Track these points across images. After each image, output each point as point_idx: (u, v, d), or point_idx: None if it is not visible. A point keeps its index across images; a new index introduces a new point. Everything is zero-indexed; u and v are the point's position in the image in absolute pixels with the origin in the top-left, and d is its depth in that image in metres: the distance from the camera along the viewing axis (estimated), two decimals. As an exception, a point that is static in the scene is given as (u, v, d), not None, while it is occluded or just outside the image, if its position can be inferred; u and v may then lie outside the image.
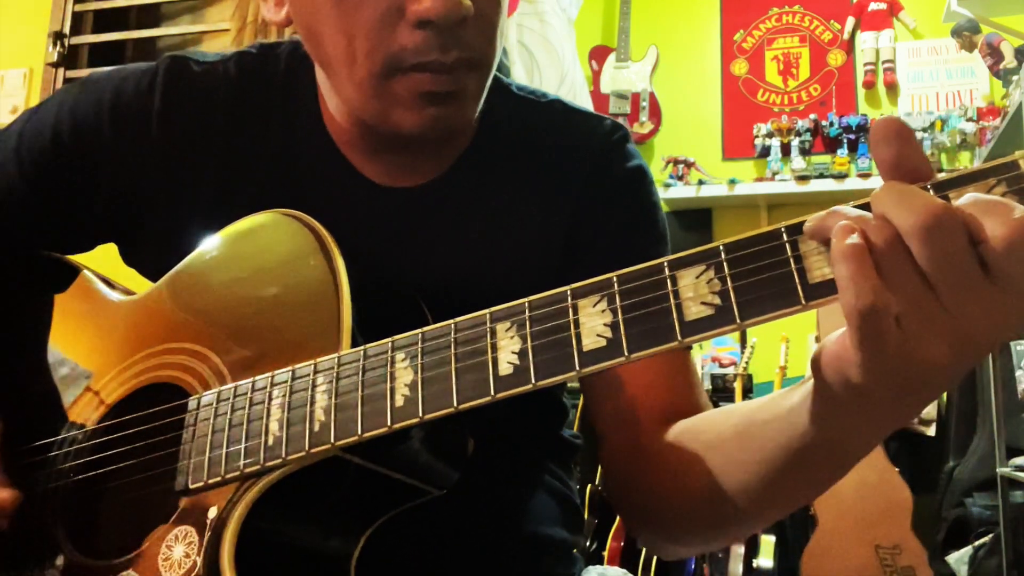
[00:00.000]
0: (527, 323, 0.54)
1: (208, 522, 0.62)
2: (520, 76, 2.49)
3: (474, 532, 0.79)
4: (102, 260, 0.89)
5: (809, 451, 0.56)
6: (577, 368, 0.52)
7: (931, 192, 0.45)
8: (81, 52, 2.73)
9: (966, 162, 3.32)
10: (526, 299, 0.55)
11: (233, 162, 0.81)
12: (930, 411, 3.00)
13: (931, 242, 0.42)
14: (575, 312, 0.53)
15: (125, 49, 2.75)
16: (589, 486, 2.54)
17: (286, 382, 0.63)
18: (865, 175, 3.34)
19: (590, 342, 0.52)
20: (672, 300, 0.50)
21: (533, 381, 0.53)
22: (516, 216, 0.82)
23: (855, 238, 0.44)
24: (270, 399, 0.63)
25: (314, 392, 0.61)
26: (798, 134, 3.53)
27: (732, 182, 3.47)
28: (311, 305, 0.66)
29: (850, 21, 3.66)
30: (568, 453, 0.92)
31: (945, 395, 3.06)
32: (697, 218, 3.57)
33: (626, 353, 0.50)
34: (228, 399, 0.65)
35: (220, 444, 0.64)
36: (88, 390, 0.77)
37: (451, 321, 0.58)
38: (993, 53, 2.97)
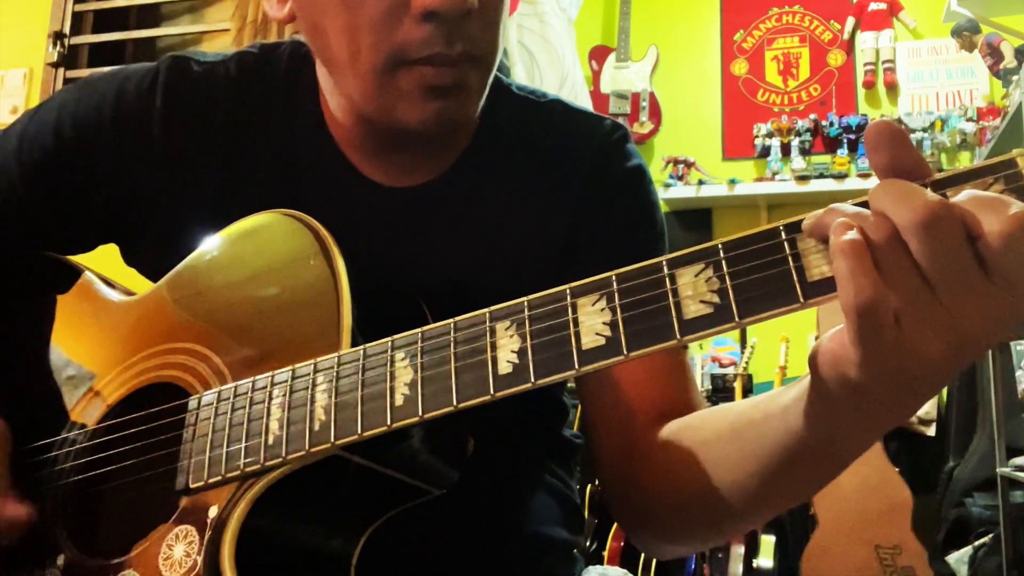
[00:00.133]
0: (526, 322, 0.54)
1: (208, 521, 0.62)
2: (521, 77, 2.50)
3: (474, 532, 0.79)
4: (102, 260, 0.89)
5: (805, 449, 0.56)
6: (576, 367, 0.52)
7: (929, 189, 0.45)
8: (81, 52, 2.73)
9: (966, 162, 3.32)
10: (525, 298, 0.55)
11: (234, 162, 0.81)
12: (930, 411, 3.00)
13: (929, 238, 0.42)
14: (574, 311, 0.53)
15: (125, 49, 2.75)
16: (589, 486, 2.54)
17: (286, 381, 0.63)
18: (865, 175, 3.34)
19: (589, 341, 0.52)
20: (671, 299, 0.50)
21: (532, 380, 0.53)
22: (516, 215, 0.82)
23: (853, 234, 0.44)
24: (270, 398, 0.63)
25: (314, 391, 0.61)
26: (798, 134, 3.53)
27: (732, 182, 3.47)
28: (311, 305, 0.66)
29: (850, 21, 3.66)
30: (569, 453, 0.92)
31: (945, 395, 3.06)
32: (697, 218, 3.57)
33: (625, 352, 0.51)
34: (228, 399, 0.66)
35: (220, 443, 0.64)
36: (90, 390, 0.77)
37: (450, 320, 0.58)
38: (993, 53, 2.97)
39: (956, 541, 2.71)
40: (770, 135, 3.57)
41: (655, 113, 3.73)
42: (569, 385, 0.90)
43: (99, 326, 0.80)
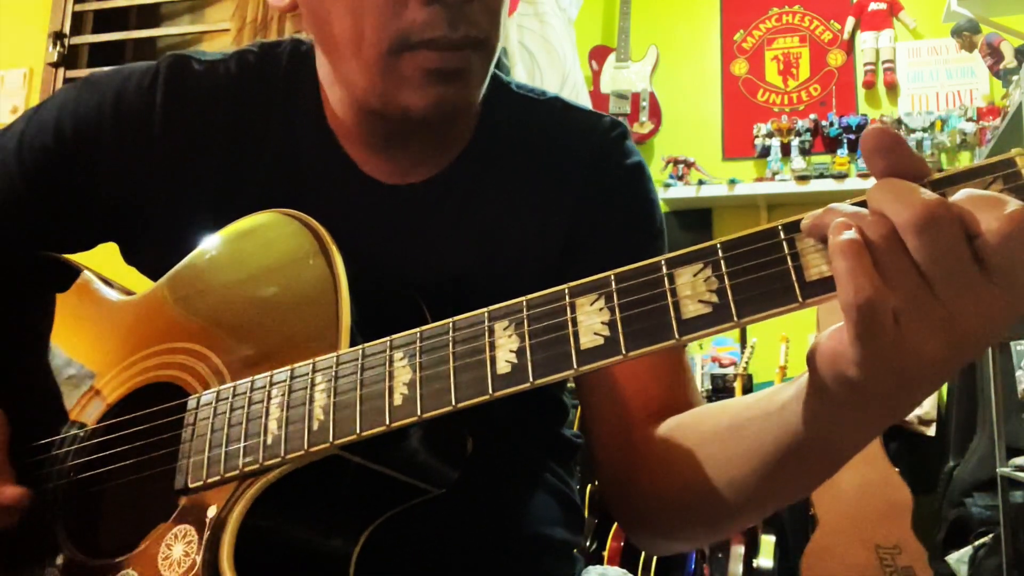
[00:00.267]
0: (525, 322, 0.54)
1: (207, 521, 0.62)
2: (521, 77, 2.49)
3: (474, 532, 0.79)
4: (102, 259, 0.89)
5: (803, 446, 0.56)
6: (575, 367, 0.52)
7: (927, 188, 0.45)
8: (81, 52, 2.73)
9: (966, 162, 3.32)
10: (524, 298, 0.55)
11: (235, 160, 0.81)
12: (930, 411, 3.00)
13: (927, 237, 0.43)
14: (573, 311, 0.53)
15: (125, 49, 2.75)
16: (589, 486, 2.53)
17: (285, 381, 0.63)
18: (865, 175, 3.34)
19: (588, 341, 0.52)
20: (669, 298, 0.50)
21: (531, 380, 0.53)
22: (516, 213, 0.82)
23: (852, 233, 0.44)
24: (269, 398, 0.63)
25: (313, 391, 0.61)
26: (798, 134, 3.53)
27: (732, 182, 3.47)
28: (310, 305, 0.66)
29: (850, 21, 3.65)
30: (569, 452, 0.92)
31: (945, 395, 3.06)
32: (697, 218, 3.57)
33: (624, 352, 0.51)
34: (227, 398, 0.66)
35: (219, 443, 0.64)
36: (90, 389, 0.77)
37: (449, 320, 0.58)
38: (993, 53, 2.96)
39: (956, 541, 2.71)
40: (770, 135, 3.57)
41: (655, 113, 3.73)
42: (569, 385, 0.90)
43: (98, 325, 0.80)
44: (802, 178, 3.41)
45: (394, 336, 0.60)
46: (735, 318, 0.48)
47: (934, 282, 0.43)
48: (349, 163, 0.81)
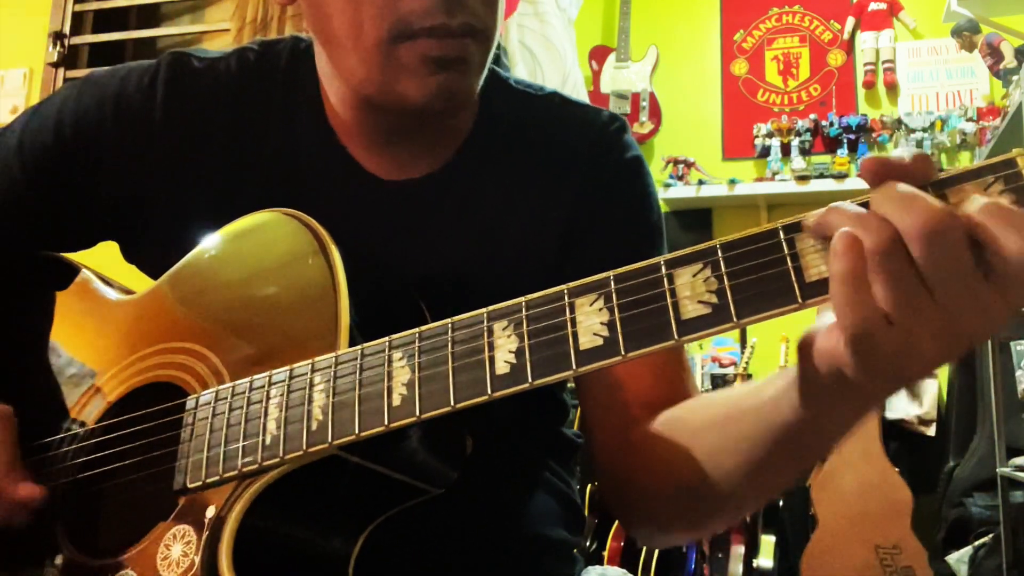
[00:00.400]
0: (524, 322, 0.54)
1: (206, 521, 0.62)
2: (522, 76, 2.49)
3: (474, 532, 0.79)
4: (102, 258, 0.89)
5: (794, 434, 0.57)
6: (574, 367, 0.52)
7: (929, 191, 0.45)
8: (81, 52, 2.74)
9: (966, 162, 3.32)
10: (523, 298, 0.55)
11: (235, 158, 0.81)
12: (930, 411, 3.00)
13: (933, 245, 0.43)
14: (572, 311, 0.53)
15: (125, 49, 2.75)
16: (589, 486, 2.53)
17: (284, 381, 0.63)
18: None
19: (587, 341, 0.52)
20: (669, 299, 0.50)
21: (530, 380, 0.53)
22: (515, 207, 0.82)
23: (849, 231, 0.44)
24: (268, 398, 0.63)
25: (312, 391, 0.61)
26: (798, 134, 3.53)
27: (732, 182, 3.47)
28: (309, 305, 0.66)
29: (850, 21, 3.65)
30: (569, 451, 0.92)
31: (945, 395, 3.06)
32: (697, 218, 3.57)
33: (623, 352, 0.51)
34: (226, 398, 0.65)
35: (218, 443, 0.64)
36: (89, 389, 0.77)
37: (448, 320, 0.58)
38: (993, 53, 2.96)
39: (956, 541, 2.70)
40: (770, 135, 3.56)
41: (655, 113, 3.73)
42: (569, 385, 0.90)
43: (97, 324, 0.80)
44: (802, 178, 3.41)
45: (393, 336, 0.60)
46: (734, 319, 0.48)
47: (935, 288, 0.44)
48: (349, 160, 0.82)
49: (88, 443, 0.75)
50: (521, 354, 0.54)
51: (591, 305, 0.52)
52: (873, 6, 3.60)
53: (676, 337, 0.49)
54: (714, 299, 0.49)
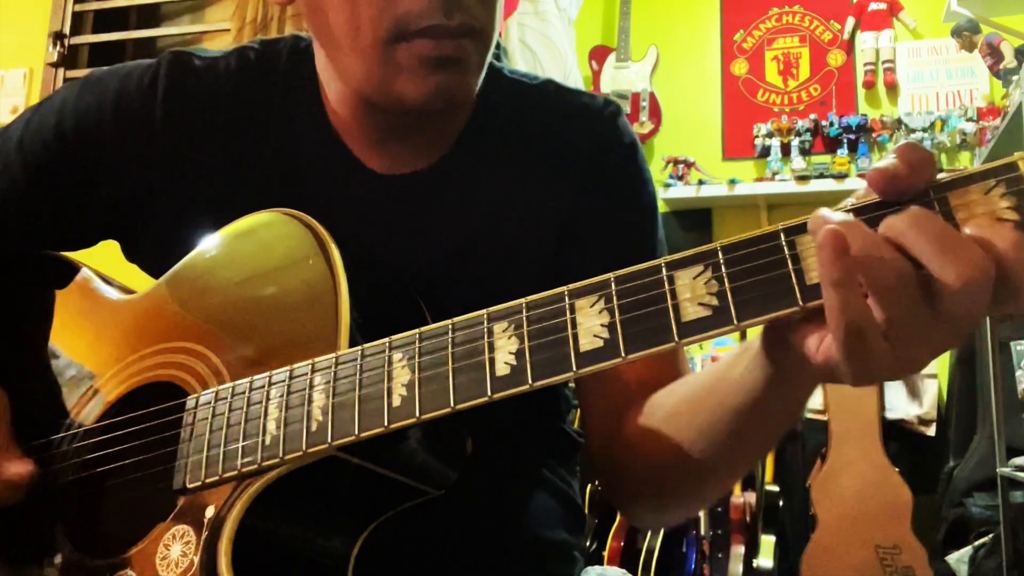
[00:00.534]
0: (524, 323, 0.54)
1: (205, 521, 0.62)
2: (520, 75, 2.49)
3: (473, 533, 0.79)
4: (102, 258, 0.89)
5: (761, 407, 0.58)
6: (574, 369, 0.52)
7: (931, 194, 0.45)
8: (81, 52, 2.74)
9: (966, 162, 3.31)
10: (523, 299, 0.55)
11: (236, 156, 0.81)
12: (930, 411, 3.00)
13: (949, 263, 0.43)
14: (572, 312, 0.53)
15: (125, 49, 2.75)
16: (589, 486, 2.53)
17: (284, 381, 0.63)
18: (865, 175, 3.33)
19: (587, 343, 0.52)
20: (669, 300, 0.50)
21: (530, 382, 0.53)
22: (514, 198, 0.82)
23: (834, 230, 0.44)
24: (268, 398, 0.63)
25: (311, 391, 0.61)
26: (798, 134, 3.53)
27: (732, 182, 3.46)
28: (310, 305, 0.66)
29: (850, 21, 3.65)
30: (570, 449, 0.92)
31: (945, 395, 3.06)
32: (697, 218, 3.57)
33: (623, 354, 0.51)
34: (226, 398, 0.65)
35: (218, 443, 0.64)
36: (88, 388, 0.77)
37: (448, 321, 0.58)
38: (993, 53, 2.96)
39: (956, 541, 2.70)
40: (770, 135, 3.56)
41: (655, 113, 3.72)
42: (569, 384, 0.90)
43: (97, 324, 0.80)
44: (802, 178, 3.41)
45: (393, 337, 0.60)
46: (735, 321, 0.48)
47: (941, 309, 0.44)
48: (349, 157, 0.82)
49: (88, 442, 0.75)
50: (521, 355, 0.54)
51: (591, 306, 0.52)
52: (873, 6, 3.60)
53: (676, 339, 0.49)
54: (715, 301, 0.49)
